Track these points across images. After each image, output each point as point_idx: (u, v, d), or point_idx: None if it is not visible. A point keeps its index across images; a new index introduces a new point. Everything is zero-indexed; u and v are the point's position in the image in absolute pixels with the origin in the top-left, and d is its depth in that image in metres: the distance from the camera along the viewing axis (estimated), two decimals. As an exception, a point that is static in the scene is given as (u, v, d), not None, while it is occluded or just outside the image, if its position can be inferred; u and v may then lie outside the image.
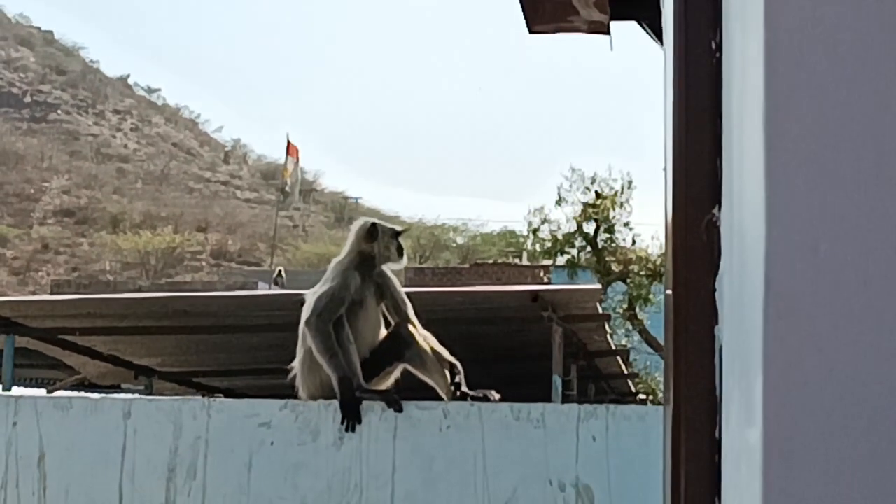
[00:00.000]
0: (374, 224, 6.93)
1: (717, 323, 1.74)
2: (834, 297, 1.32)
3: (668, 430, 1.95)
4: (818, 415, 1.30)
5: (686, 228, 1.80)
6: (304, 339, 6.63)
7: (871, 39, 1.34)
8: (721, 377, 1.72)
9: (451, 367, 6.73)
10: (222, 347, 11.87)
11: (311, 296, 6.73)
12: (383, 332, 6.89)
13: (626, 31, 4.08)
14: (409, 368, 6.82)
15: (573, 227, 25.92)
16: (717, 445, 1.71)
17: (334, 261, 6.93)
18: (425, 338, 6.82)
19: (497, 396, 6.61)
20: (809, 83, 1.35)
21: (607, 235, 25.61)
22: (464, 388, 6.64)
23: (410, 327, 6.81)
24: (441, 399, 6.67)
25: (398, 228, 7.04)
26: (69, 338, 11.10)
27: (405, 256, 6.99)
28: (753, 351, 1.37)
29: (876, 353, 1.30)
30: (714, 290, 1.75)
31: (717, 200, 1.78)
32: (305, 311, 6.63)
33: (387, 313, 6.92)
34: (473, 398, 6.54)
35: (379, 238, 6.82)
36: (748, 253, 1.45)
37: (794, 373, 1.31)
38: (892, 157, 1.32)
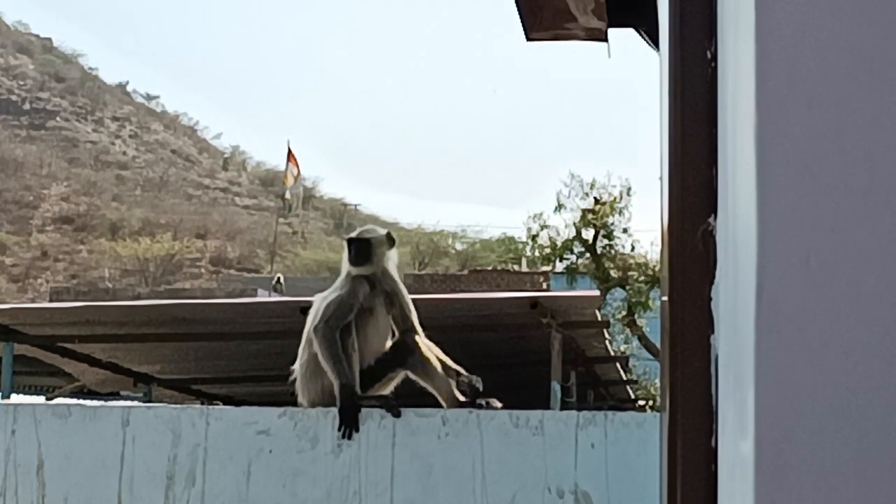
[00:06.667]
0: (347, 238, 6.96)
1: (713, 332, 1.74)
2: (825, 310, 1.32)
3: (664, 439, 1.95)
4: (810, 427, 1.30)
5: (682, 237, 1.80)
6: (310, 344, 6.63)
7: (861, 52, 1.34)
8: (717, 386, 1.72)
9: (458, 375, 6.72)
10: (221, 355, 11.87)
11: (319, 301, 6.74)
12: (391, 342, 6.90)
13: (625, 39, 4.08)
14: (411, 375, 6.82)
15: (572, 233, 25.93)
16: (713, 454, 1.71)
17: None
18: (429, 346, 6.83)
19: (499, 405, 6.61)
20: (800, 95, 1.35)
21: (606, 241, 25.63)
22: (478, 390, 6.62)
23: (416, 336, 6.82)
24: (440, 406, 6.67)
25: (353, 235, 6.94)
26: (68, 345, 11.11)
27: (359, 265, 6.74)
28: (746, 362, 1.37)
29: (867, 365, 1.30)
30: (710, 299, 1.75)
31: (713, 209, 1.78)
32: (313, 317, 6.64)
33: (392, 322, 6.91)
34: (476, 406, 6.53)
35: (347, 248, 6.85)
36: (741, 263, 1.45)
37: (786, 385, 1.31)
38: (883, 168, 1.32)
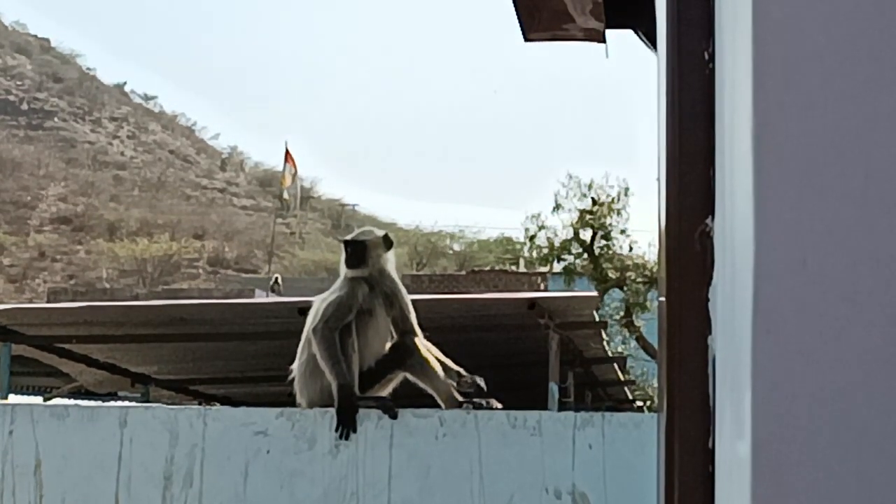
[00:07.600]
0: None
1: (710, 333, 1.74)
2: (822, 311, 1.32)
3: (661, 440, 1.95)
4: (807, 428, 1.30)
5: (679, 238, 1.80)
6: (309, 344, 6.63)
7: (859, 54, 1.34)
8: (714, 387, 1.72)
9: (459, 376, 6.73)
10: (219, 355, 11.86)
11: (319, 301, 6.74)
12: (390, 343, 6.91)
13: (622, 40, 4.08)
14: (410, 377, 6.83)
15: (570, 233, 25.96)
16: (710, 455, 1.71)
17: None
18: (428, 348, 6.83)
19: (499, 405, 6.61)
20: (798, 97, 1.35)
21: (604, 242, 25.66)
22: (482, 389, 6.64)
23: (415, 338, 6.83)
24: (439, 407, 6.67)
25: (349, 237, 6.96)
26: (66, 346, 11.09)
27: (354, 267, 6.78)
28: (743, 363, 1.37)
29: (863, 367, 1.30)
30: (707, 300, 1.75)
31: (711, 210, 1.78)
32: (313, 318, 6.64)
33: (392, 324, 6.91)
34: (476, 406, 6.54)
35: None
36: (738, 265, 1.46)
37: (783, 386, 1.31)
38: (879, 171, 1.33)
